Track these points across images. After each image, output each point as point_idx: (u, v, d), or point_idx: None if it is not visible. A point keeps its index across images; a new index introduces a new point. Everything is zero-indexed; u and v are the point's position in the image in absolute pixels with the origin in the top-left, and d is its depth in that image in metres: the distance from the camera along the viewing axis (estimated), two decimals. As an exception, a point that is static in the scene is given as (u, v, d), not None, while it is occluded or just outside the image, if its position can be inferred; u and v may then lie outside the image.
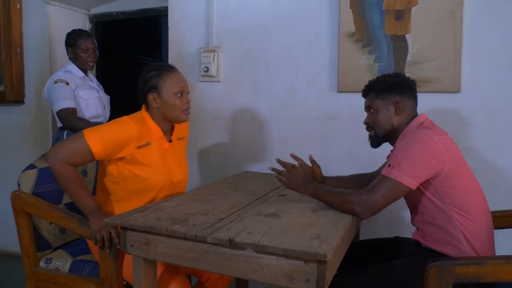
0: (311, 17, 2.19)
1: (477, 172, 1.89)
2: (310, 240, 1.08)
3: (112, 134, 1.48)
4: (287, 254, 1.03)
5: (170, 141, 1.68)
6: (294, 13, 2.23)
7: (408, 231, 1.76)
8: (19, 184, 1.74)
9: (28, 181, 1.74)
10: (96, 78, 2.68)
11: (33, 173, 1.77)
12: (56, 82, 2.26)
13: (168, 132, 1.67)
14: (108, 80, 3.20)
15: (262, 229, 1.16)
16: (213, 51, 2.36)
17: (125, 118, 1.55)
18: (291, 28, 2.24)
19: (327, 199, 1.41)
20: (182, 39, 2.49)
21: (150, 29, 3.96)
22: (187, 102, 1.60)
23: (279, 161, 1.54)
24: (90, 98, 2.39)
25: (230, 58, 2.39)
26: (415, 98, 1.49)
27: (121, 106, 2.73)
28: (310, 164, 1.67)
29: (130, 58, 3.85)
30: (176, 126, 1.72)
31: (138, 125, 1.53)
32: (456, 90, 1.95)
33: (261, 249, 1.05)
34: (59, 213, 1.63)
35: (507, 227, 1.62)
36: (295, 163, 1.59)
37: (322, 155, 2.22)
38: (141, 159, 1.53)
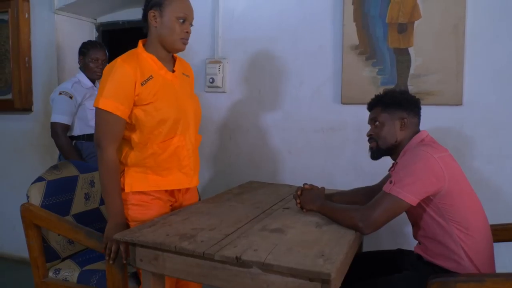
0: (315, 29, 2.22)
1: (479, 184, 1.93)
2: (314, 258, 1.11)
3: (118, 88, 1.42)
4: (292, 273, 1.06)
5: (173, 71, 1.59)
6: (299, 25, 2.26)
7: (410, 243, 1.79)
8: (28, 197, 1.79)
9: (37, 194, 1.79)
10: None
11: (41, 185, 1.81)
12: (60, 94, 2.33)
13: (169, 62, 1.60)
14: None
15: (268, 246, 1.19)
16: (219, 62, 2.40)
17: (117, 61, 1.46)
18: (296, 40, 2.27)
19: (332, 215, 1.45)
20: (188, 50, 2.48)
21: None
22: (187, 32, 1.52)
23: (304, 185, 1.65)
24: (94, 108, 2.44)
25: (235, 69, 2.42)
26: (419, 116, 1.52)
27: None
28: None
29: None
30: (178, 60, 1.66)
31: (132, 63, 1.46)
32: (458, 103, 1.98)
33: (267, 267, 1.08)
34: (66, 225, 1.68)
35: (509, 240, 1.65)
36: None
37: (325, 165, 2.25)
38: (147, 95, 1.47)
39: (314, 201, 1.55)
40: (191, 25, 1.57)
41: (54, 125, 2.34)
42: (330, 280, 1.02)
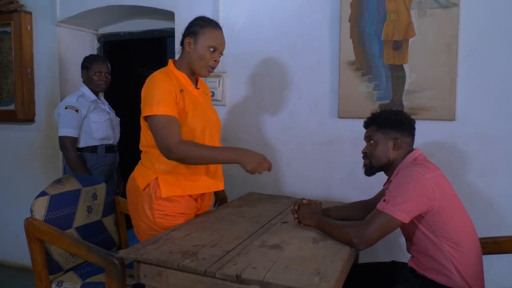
0: (313, 46, 2.28)
1: (471, 197, 1.99)
2: (310, 276, 1.16)
3: (164, 94, 1.57)
4: (290, 291, 1.12)
5: (198, 89, 1.78)
6: (297, 41, 2.32)
7: (405, 254, 1.84)
8: (31, 211, 1.84)
9: (40, 208, 1.84)
10: (105, 97, 2.79)
11: (45, 200, 1.86)
12: (66, 108, 2.39)
13: (193, 82, 1.77)
14: (116, 96, 3.33)
15: (267, 264, 1.25)
16: (219, 76, 2.45)
17: (156, 75, 1.64)
18: (294, 56, 2.33)
19: (328, 231, 1.51)
20: (188, 63, 2.58)
21: (156, 48, 4.10)
22: (215, 61, 1.69)
23: (302, 200, 1.72)
24: (101, 121, 2.50)
25: (234, 83, 2.48)
26: (413, 136, 1.57)
27: (127, 123, 2.85)
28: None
29: (136, 74, 3.95)
30: (199, 80, 1.82)
31: (168, 76, 1.64)
32: (451, 118, 2.04)
33: (266, 286, 1.13)
34: (68, 240, 1.73)
35: (498, 253, 1.70)
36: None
37: (323, 178, 2.31)
38: (182, 103, 1.64)
39: (312, 217, 1.61)
40: (221, 54, 1.73)
41: (62, 139, 2.39)
42: (325, 298, 1.08)
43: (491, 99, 1.99)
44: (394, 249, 2.15)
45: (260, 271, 1.19)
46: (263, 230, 1.61)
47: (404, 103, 2.09)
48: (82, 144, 2.47)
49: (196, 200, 1.78)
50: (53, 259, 1.84)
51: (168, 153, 1.56)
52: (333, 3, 2.22)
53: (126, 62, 3.71)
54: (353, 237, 1.40)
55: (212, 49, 1.66)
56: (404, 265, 1.69)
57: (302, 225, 1.64)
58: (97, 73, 2.50)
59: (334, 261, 1.29)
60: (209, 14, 2.49)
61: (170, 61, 1.76)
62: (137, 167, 1.77)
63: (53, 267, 1.84)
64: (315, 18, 2.27)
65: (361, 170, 2.21)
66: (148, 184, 1.66)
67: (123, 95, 3.48)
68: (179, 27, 2.59)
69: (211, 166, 1.75)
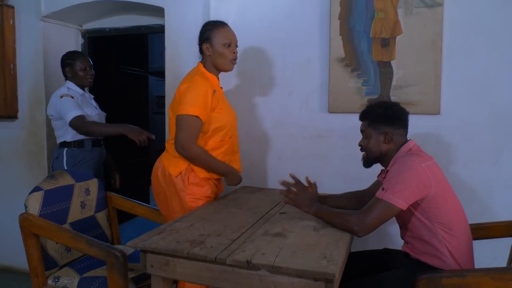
0: (304, 42, 2.34)
1: (455, 187, 2.06)
2: (318, 260, 1.21)
3: (201, 97, 1.78)
4: (299, 274, 1.16)
5: (221, 88, 2.02)
6: (288, 38, 2.37)
7: (393, 243, 1.93)
8: (26, 206, 1.81)
9: (35, 203, 1.82)
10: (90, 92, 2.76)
11: (39, 195, 1.84)
12: (62, 97, 2.36)
13: (219, 81, 1.99)
14: (100, 91, 3.29)
15: (274, 250, 1.29)
16: (210, 72, 2.47)
17: (196, 78, 1.83)
18: (285, 52, 2.38)
19: (328, 219, 1.57)
20: (179, 59, 2.59)
21: (138, 44, 4.10)
22: (234, 53, 1.91)
23: (293, 177, 1.77)
24: (92, 115, 2.49)
25: (225, 78, 2.50)
26: (405, 127, 1.65)
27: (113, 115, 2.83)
28: (306, 184, 1.81)
29: (119, 70, 3.91)
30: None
31: (206, 79, 1.86)
32: (436, 112, 2.14)
33: (276, 269, 1.18)
34: (67, 234, 1.71)
35: (482, 238, 1.81)
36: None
37: (314, 171, 2.37)
38: (215, 103, 1.85)
39: (310, 205, 1.65)
40: (237, 46, 1.96)
41: (75, 121, 2.30)
42: (334, 280, 1.13)
43: (473, 94, 2.10)
44: (383, 238, 2.24)
45: (269, 257, 1.23)
46: (263, 220, 1.65)
47: (392, 98, 2.18)
48: (69, 138, 2.44)
49: (216, 185, 2.00)
50: (48, 254, 1.83)
51: (182, 149, 1.79)
52: (323, 1, 2.29)
53: (111, 58, 3.66)
54: (354, 225, 1.46)
55: (227, 45, 1.88)
56: (396, 251, 1.77)
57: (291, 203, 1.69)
58: (82, 69, 2.48)
59: (338, 246, 1.34)
60: (200, 10, 2.52)
61: (200, 64, 1.94)
62: (164, 158, 1.94)
63: (49, 263, 1.83)
64: (305, 16, 2.33)
65: (350, 164, 2.31)
66: (180, 172, 1.86)
67: (107, 91, 3.45)
68: (170, 23, 2.60)
69: (235, 154, 2.06)
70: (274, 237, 1.43)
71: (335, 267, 1.16)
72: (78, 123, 2.32)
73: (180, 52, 2.60)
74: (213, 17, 2.49)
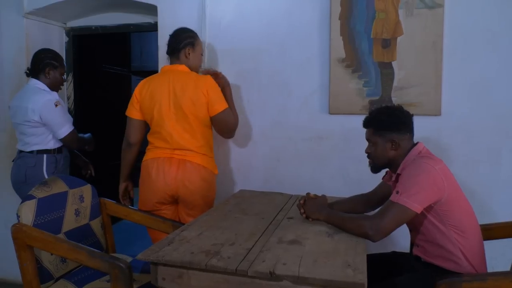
0: (303, 42, 2.30)
1: (456, 188, 2.11)
2: (342, 268, 1.18)
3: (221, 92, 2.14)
4: (326, 285, 1.12)
5: None
6: (286, 37, 2.33)
7: (394, 246, 1.91)
8: (18, 216, 1.69)
9: (28, 213, 1.71)
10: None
11: (32, 203, 1.73)
12: (56, 105, 2.25)
13: None
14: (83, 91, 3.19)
15: (294, 259, 1.24)
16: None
17: (208, 77, 2.09)
18: (283, 52, 2.33)
19: (340, 224, 1.53)
20: (173, 59, 2.50)
21: (120, 43, 4.00)
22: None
23: (308, 194, 1.75)
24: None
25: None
26: (410, 131, 1.62)
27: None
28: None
29: (101, 69, 3.78)
30: None
31: None
32: (437, 113, 2.14)
33: (302, 280, 1.13)
34: (66, 245, 1.61)
35: (487, 239, 1.81)
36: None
37: (314, 173, 2.34)
38: None
39: (320, 211, 1.63)
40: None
41: (70, 137, 2.32)
42: (363, 289, 1.09)
43: (473, 95, 2.12)
44: (384, 241, 2.22)
45: (291, 267, 1.18)
46: (273, 226, 1.60)
47: (393, 99, 2.17)
48: (51, 145, 2.34)
49: None
50: (43, 267, 1.71)
51: (233, 133, 2.20)
52: (322, 0, 2.25)
53: (95, 57, 3.52)
54: (369, 229, 1.43)
55: (202, 54, 2.22)
56: (404, 255, 1.76)
57: (310, 219, 1.65)
58: (63, 74, 2.42)
59: (358, 253, 1.31)
60: (195, 9, 2.45)
61: (185, 66, 2.09)
62: (200, 159, 2.05)
63: (43, 276, 1.71)
64: (304, 15, 2.29)
65: (351, 165, 2.29)
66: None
67: (90, 92, 3.32)
68: (163, 21, 2.51)
69: None
70: (290, 244, 1.38)
71: (363, 276, 1.12)
72: (72, 140, 2.34)
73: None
74: (208, 16, 2.42)
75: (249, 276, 1.18)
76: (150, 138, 2.11)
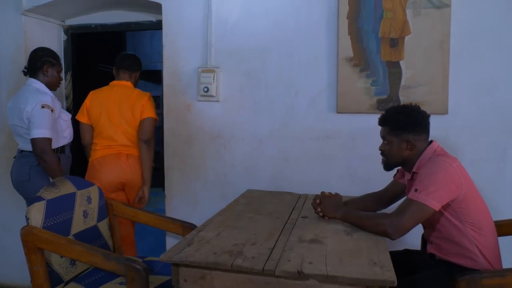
0: (311, 41, 2.29)
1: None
2: (369, 267, 1.17)
3: None
4: (355, 283, 1.11)
5: None
6: (294, 37, 2.32)
7: (402, 244, 1.90)
8: (27, 218, 1.65)
9: (38, 215, 1.67)
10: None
11: (41, 205, 1.69)
12: (43, 107, 2.16)
13: None
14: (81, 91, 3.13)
15: (319, 258, 1.23)
16: (213, 71, 2.38)
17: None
18: (291, 52, 2.32)
19: (358, 222, 1.53)
20: (178, 57, 2.48)
21: (115, 42, 3.94)
22: None
23: (323, 193, 1.74)
24: (68, 119, 2.40)
25: (229, 78, 2.42)
26: (427, 131, 1.63)
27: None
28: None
29: (97, 69, 3.72)
30: None
31: None
32: (444, 112, 2.16)
33: (331, 279, 1.12)
34: (80, 248, 1.57)
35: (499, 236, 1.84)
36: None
37: (322, 172, 2.34)
38: None
39: (337, 209, 1.63)
40: None
41: (41, 141, 2.13)
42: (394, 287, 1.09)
43: (479, 94, 2.14)
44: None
45: (318, 266, 1.18)
46: (289, 225, 1.59)
47: (401, 98, 2.18)
48: (55, 145, 2.28)
49: None
50: (53, 270, 1.68)
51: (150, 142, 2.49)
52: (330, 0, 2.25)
53: (92, 56, 3.46)
54: (388, 227, 1.43)
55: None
56: (418, 252, 1.77)
57: (326, 217, 1.65)
58: (60, 72, 2.37)
59: (381, 250, 1.31)
60: (201, 7, 2.43)
61: (130, 83, 2.53)
62: (136, 151, 2.44)
63: (53, 280, 1.68)
64: (312, 14, 2.29)
65: (359, 164, 2.30)
66: None
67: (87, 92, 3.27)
68: (167, 20, 2.48)
69: None
70: (311, 243, 1.38)
71: (391, 273, 1.12)
72: (43, 145, 2.14)
73: (179, 50, 2.48)
74: (214, 15, 2.40)
75: (275, 276, 1.17)
76: (96, 140, 2.44)
